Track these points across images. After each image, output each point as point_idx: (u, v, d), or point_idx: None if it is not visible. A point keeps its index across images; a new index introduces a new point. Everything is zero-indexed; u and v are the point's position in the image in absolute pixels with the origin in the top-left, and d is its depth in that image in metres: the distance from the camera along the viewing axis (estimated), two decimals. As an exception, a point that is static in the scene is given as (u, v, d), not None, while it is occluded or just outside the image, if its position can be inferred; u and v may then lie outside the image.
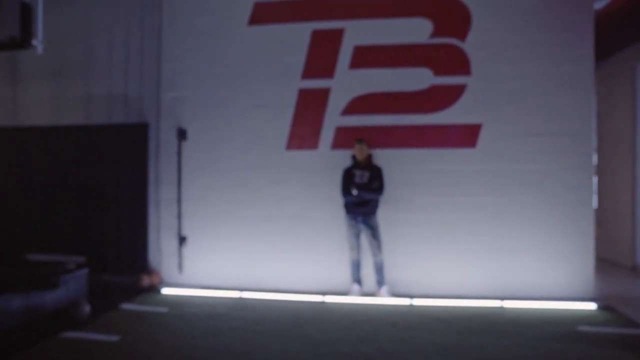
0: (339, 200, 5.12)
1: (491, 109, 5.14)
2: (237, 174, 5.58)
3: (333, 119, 5.39)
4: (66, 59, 5.75)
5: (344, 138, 5.33)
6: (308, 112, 5.43)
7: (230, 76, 5.60)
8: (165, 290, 5.45)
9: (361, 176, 5.00)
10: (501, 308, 4.75)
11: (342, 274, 5.23)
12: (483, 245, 5.12)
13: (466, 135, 5.17)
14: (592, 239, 4.97)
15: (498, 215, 5.11)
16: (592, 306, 4.68)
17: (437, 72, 5.23)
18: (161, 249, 5.77)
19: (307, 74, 5.44)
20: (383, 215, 5.10)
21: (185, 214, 5.69)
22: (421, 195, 5.23)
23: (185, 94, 5.71)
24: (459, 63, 5.19)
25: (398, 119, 5.28)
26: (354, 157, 5.12)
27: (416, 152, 5.25)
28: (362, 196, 4.93)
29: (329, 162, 5.35)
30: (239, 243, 5.57)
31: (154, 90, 5.74)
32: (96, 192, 5.85)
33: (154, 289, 5.51)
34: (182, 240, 5.70)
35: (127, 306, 4.79)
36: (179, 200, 5.68)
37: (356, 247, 5.08)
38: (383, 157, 5.22)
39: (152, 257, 5.80)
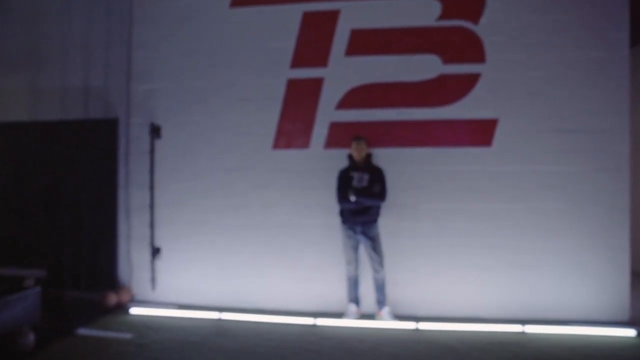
0: (333, 207, 4.42)
1: (509, 102, 4.45)
2: (218, 177, 4.89)
3: (327, 113, 4.70)
4: (10, 46, 5.03)
5: (340, 135, 4.64)
6: (298, 106, 4.74)
7: (210, 65, 4.91)
8: (135, 310, 4.74)
9: (360, 179, 4.30)
10: (522, 334, 4.05)
11: (337, 292, 4.54)
12: (500, 260, 4.43)
13: (480, 132, 4.48)
14: (628, 252, 4.27)
15: (517, 224, 4.42)
16: (630, 332, 3.98)
17: (447, 60, 4.54)
18: (132, 262, 5.06)
19: (297, 62, 4.75)
20: (384, 224, 4.40)
21: (159, 222, 4.99)
22: (428, 201, 4.54)
23: (159, 86, 5.01)
24: (472, 49, 4.50)
25: (401, 114, 4.58)
26: (350, 157, 4.42)
27: (422, 152, 4.56)
28: (361, 202, 4.23)
29: (322, 163, 4.66)
30: (220, 255, 4.88)
31: (124, 82, 5.04)
32: (59, 197, 5.15)
33: (123, 307, 4.80)
34: (155, 251, 5.01)
35: (85, 331, 4.10)
36: (151, 207, 4.98)
37: (354, 262, 4.38)
38: (384, 157, 4.52)
39: (122, 270, 5.10)
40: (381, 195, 4.28)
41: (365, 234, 4.31)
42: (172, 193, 4.97)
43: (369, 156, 4.43)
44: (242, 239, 4.84)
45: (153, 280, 5.00)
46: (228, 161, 4.87)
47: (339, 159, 4.52)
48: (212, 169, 4.90)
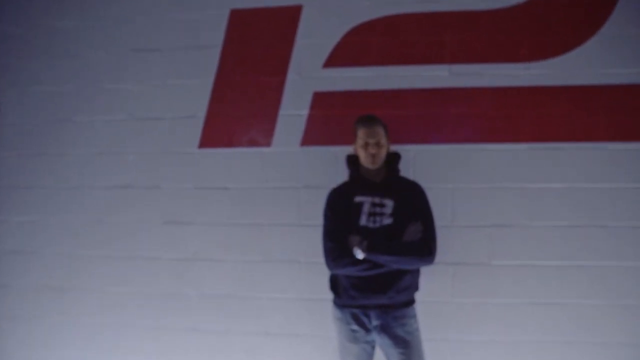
0: (321, 268, 2.03)
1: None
2: (97, 202, 2.54)
3: (306, 75, 2.37)
4: None
5: (331, 118, 2.33)
6: (250, 62, 2.42)
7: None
8: None
9: (376, 210, 1.95)
10: None
11: None
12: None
13: (622, 112, 2.18)
14: None
15: None
16: None
17: (548, -33, 2.26)
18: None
19: (250, -22, 2.46)
20: (423, 302, 2.06)
21: (-11, 288, 2.64)
22: (514, 254, 2.21)
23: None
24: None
25: (460, 74, 2.26)
26: (354, 162, 2.07)
27: (502, 152, 2.24)
28: (380, 263, 1.87)
29: (297, 175, 2.36)
30: (102, 355, 2.51)
31: None
32: None
33: None
34: (-18, 343, 2.63)
35: None
36: (-27, 258, 2.63)
37: (362, 387, 2.02)
38: (424, 163, 2.23)
39: None
40: (426, 247, 1.91)
41: (388, 331, 1.93)
42: (11, 233, 2.61)
43: (393, 160, 2.08)
44: (142, 325, 2.48)
45: (-25, 399, 2.61)
46: (116, 172, 2.52)
47: (329, 166, 2.24)
48: (86, 188, 2.55)
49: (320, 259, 1.97)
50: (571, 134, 2.20)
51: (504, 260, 2.23)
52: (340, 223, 1.95)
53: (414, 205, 1.98)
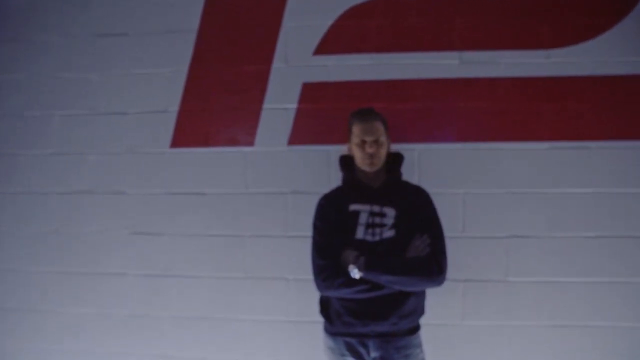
0: (310, 287, 1.74)
1: None
2: (50, 211, 2.22)
3: (295, 63, 2.08)
4: None
5: (323, 113, 2.05)
6: (230, 48, 2.12)
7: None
8: None
9: (374, 221, 1.66)
10: None
11: None
12: None
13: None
14: None
15: None
16: None
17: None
18: None
19: (230, -48, 2.16)
20: (431, 324, 1.79)
21: None
22: (531, 269, 1.95)
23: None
24: None
25: (469, 64, 1.98)
26: (348, 163, 1.79)
27: (520, 152, 1.97)
28: (379, 283, 1.58)
29: (283, 179, 2.08)
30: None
31: None
32: None
33: None
34: None
35: None
36: None
37: None
38: (430, 166, 1.96)
39: None
40: (434, 264, 1.62)
41: (389, 362, 1.65)
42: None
43: (394, 161, 1.79)
44: (105, 351, 2.18)
45: None
46: (75, 175, 2.21)
47: (320, 169, 1.97)
48: (40, 193, 2.23)
49: (311, 275, 1.67)
50: (599, 131, 1.93)
51: (522, 276, 1.95)
52: (332, 236, 1.65)
53: (419, 214, 1.69)
